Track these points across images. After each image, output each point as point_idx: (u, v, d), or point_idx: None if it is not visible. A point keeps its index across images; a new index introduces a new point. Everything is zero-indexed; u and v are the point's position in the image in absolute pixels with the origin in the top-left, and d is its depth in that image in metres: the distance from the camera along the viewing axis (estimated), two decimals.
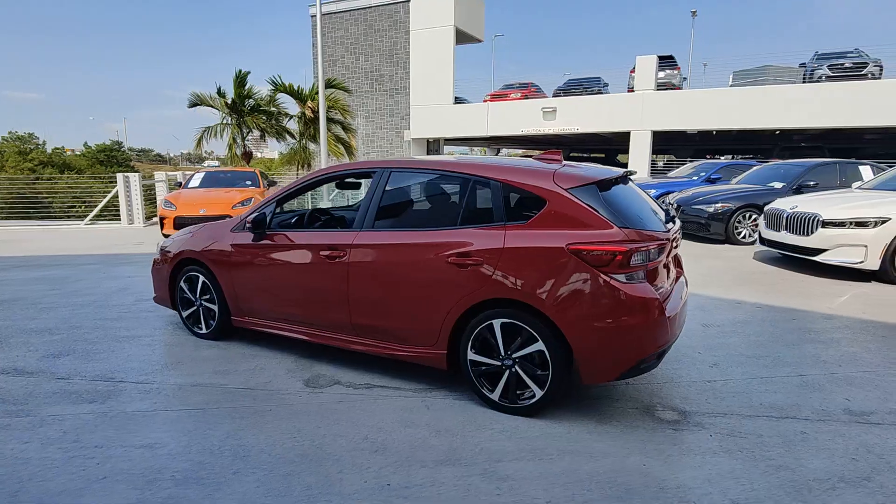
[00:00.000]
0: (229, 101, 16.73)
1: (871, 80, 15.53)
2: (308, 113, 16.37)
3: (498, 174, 3.06)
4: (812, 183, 8.66)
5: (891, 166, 8.59)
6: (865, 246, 5.94)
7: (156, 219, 12.76)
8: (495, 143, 32.02)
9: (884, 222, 5.91)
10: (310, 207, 4.73)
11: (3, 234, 10.95)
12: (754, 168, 10.62)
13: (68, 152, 48.91)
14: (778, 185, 9.02)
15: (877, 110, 14.74)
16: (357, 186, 4.97)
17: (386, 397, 3.21)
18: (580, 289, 2.71)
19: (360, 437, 2.72)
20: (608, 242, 2.69)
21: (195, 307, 4.23)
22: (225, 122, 17.24)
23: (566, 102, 19.37)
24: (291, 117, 18.06)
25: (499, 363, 2.94)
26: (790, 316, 4.86)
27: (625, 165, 19.50)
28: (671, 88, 18.31)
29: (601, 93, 20.11)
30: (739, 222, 8.82)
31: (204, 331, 4.22)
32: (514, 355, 2.89)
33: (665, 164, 24.15)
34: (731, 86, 17.95)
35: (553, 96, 20.86)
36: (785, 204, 6.98)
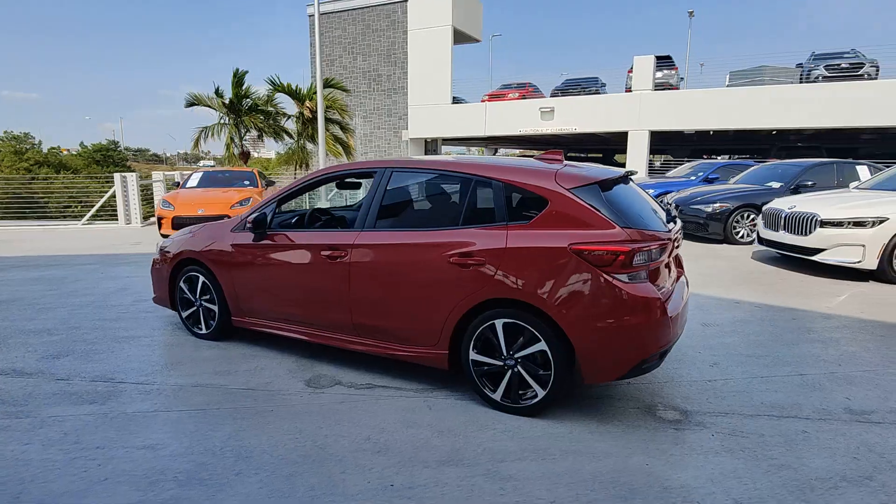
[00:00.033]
0: (227, 101, 16.69)
1: (867, 81, 15.59)
2: (306, 113, 16.35)
3: (500, 174, 3.06)
4: (810, 183, 8.69)
5: (888, 166, 8.63)
6: (863, 245, 5.96)
7: (153, 219, 12.72)
8: (493, 143, 32.02)
9: (881, 222, 5.93)
10: (307, 207, 4.73)
11: (0, 235, 10.90)
12: (752, 168, 10.65)
13: (64, 152, 48.71)
14: (776, 184, 9.05)
15: (873, 110, 14.80)
16: (357, 186, 4.97)
17: (387, 397, 3.21)
18: (583, 289, 2.71)
19: (362, 438, 2.72)
20: (611, 242, 2.69)
21: (195, 307, 4.22)
22: (222, 121, 17.20)
23: (564, 102, 19.40)
24: (289, 117, 18.04)
25: (501, 363, 2.94)
26: (789, 315, 4.88)
27: (622, 165, 19.54)
28: (669, 88, 18.35)
29: (599, 93, 20.14)
30: (737, 222, 8.84)
31: (204, 331, 4.21)
32: (516, 355, 2.89)
33: (662, 163, 24.20)
34: (727, 86, 18.01)
35: (551, 96, 20.89)
36: (783, 204, 7.00)
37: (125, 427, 2.83)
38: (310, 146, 17.92)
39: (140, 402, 3.15)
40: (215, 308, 4.09)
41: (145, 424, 2.87)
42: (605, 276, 2.69)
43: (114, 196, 12.44)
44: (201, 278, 4.12)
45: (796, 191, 8.57)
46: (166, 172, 14.58)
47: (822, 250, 6.23)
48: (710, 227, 8.87)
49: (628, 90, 18.50)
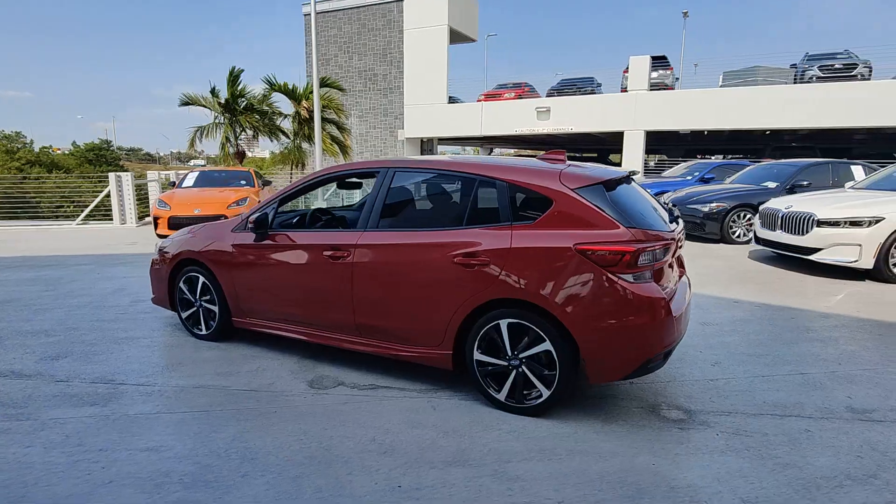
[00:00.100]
0: (223, 101, 16.60)
1: (861, 81, 15.72)
2: (303, 113, 16.29)
3: (504, 174, 3.06)
4: (805, 183, 8.75)
5: (882, 166, 8.70)
6: (860, 245, 6.00)
7: (148, 219, 12.65)
8: (489, 142, 32.05)
9: (877, 222, 5.98)
10: (303, 208, 4.71)
11: None
12: (748, 168, 10.71)
13: (56, 151, 48.28)
14: (771, 184, 9.10)
15: (866, 111, 14.93)
16: (358, 186, 4.95)
17: (391, 398, 3.20)
18: (588, 289, 2.72)
19: (367, 439, 2.71)
20: (616, 242, 2.70)
21: (195, 308, 4.19)
22: (218, 121, 17.11)
23: (560, 102, 19.43)
24: (286, 116, 17.96)
25: (505, 363, 2.94)
26: (788, 314, 4.91)
27: (617, 165, 19.61)
28: (664, 89, 18.43)
29: (594, 93, 20.20)
30: (734, 222, 8.89)
31: (204, 332, 4.18)
32: (520, 355, 2.89)
33: (656, 163, 24.30)
34: (721, 86, 18.11)
35: (547, 96, 20.92)
36: (780, 203, 7.05)
37: (127, 429, 2.81)
38: (306, 146, 17.86)
39: (142, 403, 3.12)
40: (215, 308, 4.07)
41: (148, 426, 2.84)
42: (610, 276, 2.69)
43: (108, 196, 12.34)
44: (201, 279, 4.10)
45: (792, 191, 8.63)
46: (161, 172, 14.49)
47: (819, 250, 6.27)
48: (707, 227, 8.91)
49: (624, 90, 18.56)
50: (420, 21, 21.32)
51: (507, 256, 2.87)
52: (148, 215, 13.02)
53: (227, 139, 17.13)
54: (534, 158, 3.65)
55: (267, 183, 11.64)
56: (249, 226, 3.77)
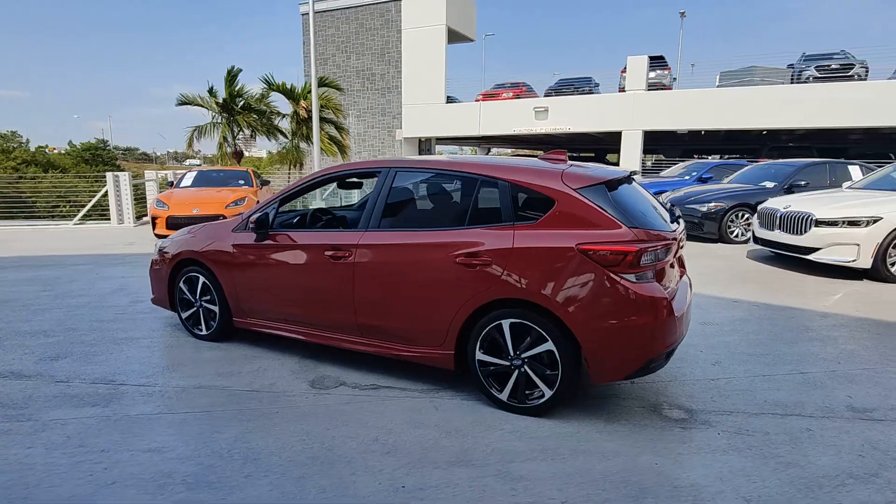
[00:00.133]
0: (221, 100, 16.56)
1: (857, 81, 15.79)
2: (302, 112, 16.26)
3: (506, 174, 3.06)
4: (803, 182, 8.79)
5: (879, 166, 8.74)
6: (858, 245, 6.03)
7: (146, 218, 12.61)
8: (486, 142, 32.06)
9: (875, 221, 6.01)
10: (301, 208, 4.69)
11: None
12: (745, 168, 10.74)
13: (51, 151, 48.07)
14: (769, 184, 9.14)
15: (863, 111, 14.99)
16: (359, 186, 4.94)
17: (393, 398, 3.20)
18: (590, 289, 2.72)
19: (370, 439, 2.71)
20: (618, 242, 2.70)
21: (195, 308, 4.18)
22: (215, 120, 17.07)
23: (558, 102, 19.45)
24: (284, 116, 17.93)
25: (507, 363, 2.94)
26: (787, 314, 4.93)
27: (615, 165, 19.63)
28: (661, 89, 18.46)
29: (592, 93, 20.22)
30: (732, 221, 8.91)
31: (204, 332, 4.17)
32: (523, 355, 2.89)
33: (653, 163, 24.37)
34: (718, 86, 18.15)
35: (544, 96, 20.94)
36: (778, 203, 7.07)
37: (129, 430, 2.80)
38: (304, 145, 17.84)
39: (143, 404, 3.11)
40: (216, 309, 4.06)
41: (149, 427, 2.84)
42: (612, 275, 2.70)
43: (106, 195, 12.30)
44: (201, 279, 4.09)
45: (790, 190, 8.66)
46: (159, 172, 14.45)
47: (818, 249, 6.30)
48: (705, 227, 8.94)
49: (622, 90, 18.58)
50: (418, 21, 21.31)
51: (510, 256, 2.87)
52: (145, 215, 12.98)
53: (225, 139, 17.10)
54: (535, 158, 3.66)
55: (265, 183, 11.62)
56: (250, 226, 3.76)
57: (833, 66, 16.30)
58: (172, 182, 11.50)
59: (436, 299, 3.10)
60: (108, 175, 12.27)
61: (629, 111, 17.96)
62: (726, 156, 26.13)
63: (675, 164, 16.16)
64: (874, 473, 2.40)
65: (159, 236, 8.94)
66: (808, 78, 16.61)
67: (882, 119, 14.99)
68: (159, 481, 2.32)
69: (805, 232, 6.39)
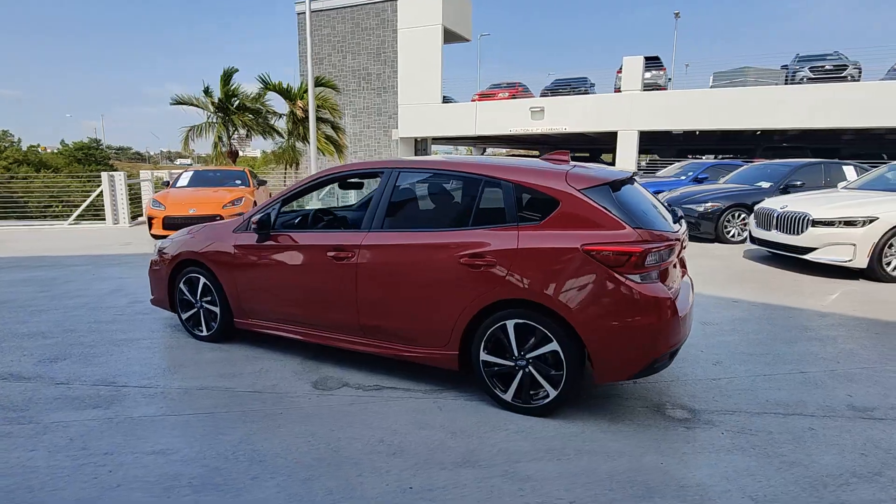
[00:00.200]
0: (216, 100, 16.48)
1: (851, 83, 15.92)
2: (298, 112, 16.20)
3: (510, 175, 3.06)
4: (798, 183, 8.84)
5: (873, 166, 8.82)
6: (854, 245, 6.08)
7: (141, 218, 12.53)
8: (483, 142, 32.08)
9: (871, 221, 6.06)
10: (297, 208, 4.66)
11: None
12: (741, 168, 10.81)
13: (44, 150, 47.66)
14: (765, 184, 9.19)
15: (857, 111, 15.12)
16: (360, 187, 4.93)
17: (397, 399, 3.20)
18: (595, 289, 2.73)
19: (375, 440, 2.70)
20: (623, 243, 2.71)
21: (195, 309, 4.16)
22: (210, 120, 16.98)
23: (554, 102, 19.49)
24: (281, 116, 17.87)
25: (512, 363, 2.95)
26: (786, 314, 4.96)
27: (610, 165, 19.69)
28: (657, 89, 18.54)
29: (588, 93, 20.28)
30: (729, 221, 8.96)
31: (205, 333, 4.15)
32: (527, 356, 2.90)
33: (648, 163, 24.46)
34: (711, 87, 18.25)
35: (540, 96, 20.97)
36: (775, 203, 7.12)
37: (132, 432, 2.78)
38: (300, 145, 17.78)
39: (145, 406, 3.10)
40: (217, 310, 4.04)
41: (153, 429, 2.82)
42: (617, 276, 2.71)
43: (101, 195, 12.21)
44: (202, 279, 4.07)
45: (785, 191, 8.72)
46: (156, 172, 14.36)
47: (814, 249, 6.34)
48: (702, 227, 8.98)
49: (618, 90, 18.65)
50: (414, 20, 21.29)
51: (514, 257, 2.87)
52: (141, 215, 12.91)
53: (220, 138, 17.01)
54: (537, 159, 3.66)
55: (262, 183, 11.56)
56: (252, 226, 3.74)
57: (827, 67, 16.43)
58: (168, 182, 11.42)
59: (439, 300, 3.10)
60: (104, 175, 12.18)
61: (625, 111, 18.03)
62: (720, 156, 26.27)
63: (669, 164, 16.24)
64: (877, 472, 2.42)
65: (156, 236, 8.89)
66: (802, 79, 16.74)
67: (875, 120, 15.13)
68: (165, 484, 2.31)
69: (802, 232, 6.44)
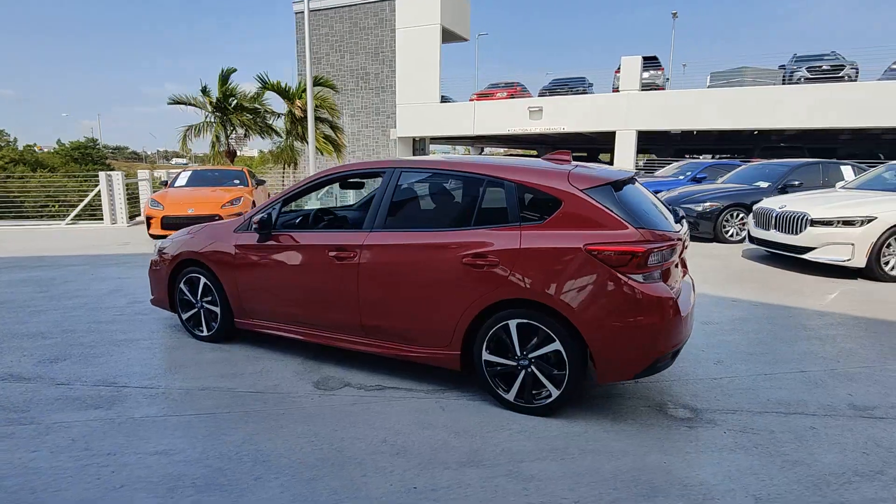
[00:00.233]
0: (214, 99, 16.44)
1: (848, 83, 15.98)
2: (297, 112, 16.17)
3: (512, 175, 3.06)
4: (797, 182, 8.87)
5: (871, 166, 8.85)
6: (852, 244, 6.10)
7: (139, 218, 12.50)
8: (481, 142, 32.09)
9: (870, 221, 6.08)
10: (295, 207, 4.65)
11: None
12: (739, 168, 10.84)
13: (40, 150, 47.44)
14: (763, 184, 9.22)
15: (854, 111, 15.18)
16: (361, 186, 4.92)
17: (399, 399, 3.19)
18: (598, 289, 2.73)
19: (378, 440, 2.70)
20: (626, 243, 2.71)
21: (196, 309, 4.15)
22: (208, 119, 16.94)
23: (552, 102, 19.51)
24: (279, 115, 17.83)
25: (514, 363, 2.95)
26: (785, 313, 4.98)
27: (608, 165, 19.70)
28: (655, 89, 18.57)
29: (586, 92, 20.30)
30: (727, 221, 8.99)
31: (205, 333, 4.14)
32: (530, 355, 2.90)
33: (645, 163, 24.51)
34: (709, 87, 18.30)
35: (539, 96, 20.99)
36: (774, 203, 7.14)
37: (135, 432, 2.78)
38: (298, 144, 17.75)
39: (147, 406, 3.09)
40: (217, 310, 4.03)
41: (155, 429, 2.81)
42: (620, 276, 2.71)
43: (98, 195, 12.17)
44: (203, 279, 4.06)
45: (783, 190, 8.75)
46: (155, 172, 14.30)
47: (813, 249, 6.36)
48: (701, 226, 9.00)
49: (616, 90, 18.67)
50: (412, 20, 21.27)
51: (517, 257, 2.87)
52: (139, 215, 12.87)
53: (218, 138, 16.97)
54: (539, 158, 3.67)
55: (260, 182, 11.53)
56: (254, 226, 3.73)
57: (824, 67, 16.49)
58: (166, 182, 11.38)
59: (441, 300, 3.10)
60: (101, 174, 12.14)
61: (623, 111, 18.06)
62: (718, 156, 26.34)
63: (667, 163, 16.27)
64: (879, 471, 2.43)
65: (154, 236, 8.86)
66: (799, 79, 16.80)
67: (871, 120, 15.19)
68: (169, 484, 2.30)
69: (801, 231, 6.46)
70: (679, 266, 3.28)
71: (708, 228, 8.97)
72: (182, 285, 4.19)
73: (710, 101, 17.08)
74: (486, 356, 3.02)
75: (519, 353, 2.92)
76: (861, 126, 15.70)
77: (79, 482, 2.33)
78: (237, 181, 10.71)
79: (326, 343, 3.60)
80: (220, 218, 8.44)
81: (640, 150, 25.43)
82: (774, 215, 6.89)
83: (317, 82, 16.12)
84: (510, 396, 2.99)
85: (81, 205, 12.43)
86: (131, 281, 6.18)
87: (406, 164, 3.47)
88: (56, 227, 11.91)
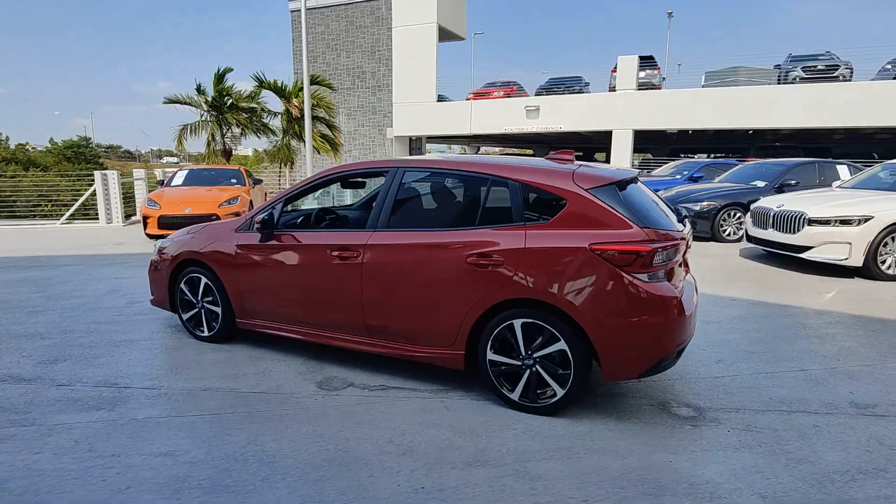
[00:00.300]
0: (209, 98, 16.35)
1: (843, 82, 16.08)
2: (294, 111, 16.11)
3: (516, 174, 3.06)
4: (793, 182, 8.93)
5: (867, 165, 8.92)
6: (850, 243, 6.14)
7: (135, 218, 12.43)
8: (477, 141, 32.09)
9: (867, 220, 6.12)
10: (303, 208, 4.62)
11: None
12: (736, 167, 10.89)
13: (32, 148, 47.05)
14: (760, 183, 9.27)
15: (849, 111, 15.29)
16: (362, 186, 4.91)
17: (403, 399, 3.19)
18: (603, 288, 2.74)
19: (384, 440, 2.70)
20: (631, 242, 2.72)
21: (197, 309, 4.13)
22: (203, 118, 16.85)
23: (549, 101, 19.53)
24: (276, 114, 17.75)
25: (519, 363, 2.95)
26: (784, 312, 5.00)
27: (605, 164, 19.73)
28: (651, 88, 18.63)
29: (582, 92, 20.34)
30: (724, 220, 9.03)
31: (206, 333, 4.12)
32: (534, 355, 2.90)
33: (640, 163, 24.59)
34: (703, 86, 18.37)
35: (535, 95, 21.01)
36: (771, 202, 7.17)
37: (138, 434, 2.76)
38: (294, 143, 17.68)
39: (149, 407, 3.07)
40: (218, 310, 4.01)
41: (158, 430, 2.80)
42: (625, 275, 2.72)
43: (93, 194, 12.09)
44: (203, 279, 4.04)
45: (780, 189, 8.80)
46: (154, 170, 14.21)
47: (810, 248, 6.40)
48: (698, 226, 9.04)
49: (612, 89, 18.72)
50: (409, 18, 21.24)
51: (522, 256, 2.87)
52: (134, 214, 12.80)
53: (213, 137, 16.89)
54: (543, 158, 3.67)
55: (258, 182, 11.48)
56: (256, 226, 3.72)
57: (819, 67, 16.58)
58: (163, 181, 11.32)
59: (446, 300, 3.09)
60: (97, 174, 12.06)
61: (620, 110, 18.11)
62: (713, 155, 26.46)
63: (663, 163, 16.32)
64: (883, 468, 2.45)
65: (151, 236, 8.82)
66: (794, 79, 16.89)
67: (866, 119, 15.30)
68: (175, 486, 2.29)
69: (798, 231, 6.49)
70: (682, 265, 3.29)
71: (705, 227, 9.01)
72: (183, 285, 4.17)
73: (705, 100, 17.16)
74: (490, 356, 3.02)
75: (524, 353, 2.92)
76: (855, 126, 15.81)
77: (84, 484, 2.31)
78: (234, 180, 10.66)
79: (329, 343, 3.59)
80: (218, 217, 8.41)
81: (636, 149, 25.52)
82: (772, 214, 6.93)
83: (313, 81, 16.07)
84: (515, 396, 2.99)
85: (76, 204, 12.34)
86: (129, 281, 6.14)
87: (409, 164, 3.47)
88: (50, 227, 11.82)
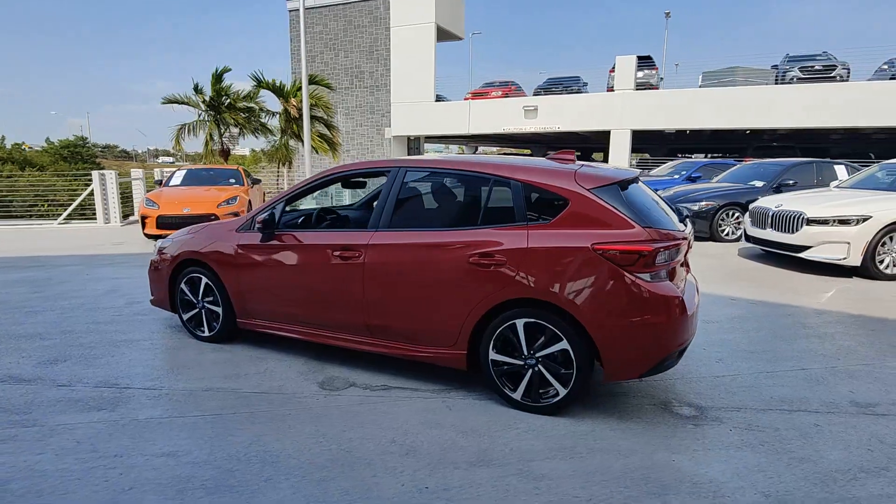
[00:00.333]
0: (207, 98, 16.31)
1: (840, 83, 16.14)
2: (292, 111, 16.09)
3: (519, 174, 3.07)
4: (791, 182, 8.96)
5: (864, 165, 8.95)
6: (848, 243, 6.16)
7: (133, 218, 12.40)
8: (475, 141, 32.10)
9: (865, 220, 6.15)
10: (303, 208, 4.61)
11: None
12: (734, 167, 10.92)
13: (28, 148, 46.86)
14: (758, 183, 9.29)
15: (846, 111, 15.34)
16: (363, 186, 4.90)
17: (405, 399, 3.19)
18: (606, 288, 2.74)
19: (387, 440, 2.69)
20: (633, 242, 2.73)
21: (197, 309, 4.12)
22: (201, 118, 16.81)
23: (547, 101, 19.55)
24: (274, 114, 17.72)
25: (521, 363, 2.95)
26: (783, 311, 5.02)
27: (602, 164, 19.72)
28: (649, 88, 18.66)
29: (580, 91, 20.37)
30: (723, 220, 9.05)
31: (207, 334, 4.11)
32: (537, 354, 2.90)
33: (637, 162, 24.62)
34: (700, 86, 18.41)
35: (533, 95, 21.02)
36: (770, 202, 7.19)
37: (140, 434, 2.75)
38: (293, 143, 17.66)
39: (151, 407, 3.06)
40: (219, 310, 4.00)
41: (160, 431, 2.79)
42: (627, 275, 2.72)
43: (91, 194, 12.05)
44: (204, 279, 4.03)
45: (778, 189, 8.82)
46: (153, 170, 14.16)
47: (809, 248, 6.42)
48: (697, 225, 9.05)
49: (610, 89, 18.74)
50: (407, 18, 21.23)
51: (524, 256, 2.88)
52: (132, 214, 12.76)
53: (211, 137, 16.85)
54: (544, 158, 3.67)
55: (256, 181, 11.46)
56: (257, 225, 3.71)
57: (816, 67, 16.64)
58: (161, 181, 11.29)
59: (448, 300, 3.09)
60: (95, 173, 12.02)
61: (618, 110, 18.13)
62: (711, 155, 26.52)
63: (661, 163, 16.36)
64: (884, 467, 2.46)
65: (149, 236, 8.79)
66: (792, 79, 16.94)
67: (863, 119, 15.35)
68: (178, 486, 2.29)
69: (797, 230, 6.51)
70: (684, 265, 3.30)
71: (704, 227, 9.03)
72: (183, 285, 4.16)
73: (703, 100, 17.19)
74: (492, 355, 3.02)
75: (526, 353, 2.93)
76: (852, 126, 15.87)
77: (86, 485, 2.30)
78: (233, 180, 10.64)
79: (331, 343, 3.59)
80: (217, 217, 8.39)
81: (634, 149, 25.56)
82: (771, 214, 6.95)
83: (312, 81, 16.03)
84: (517, 395, 3.00)
85: (74, 204, 12.30)
86: (128, 281, 6.12)
87: (411, 164, 3.47)
88: (48, 227, 11.78)
